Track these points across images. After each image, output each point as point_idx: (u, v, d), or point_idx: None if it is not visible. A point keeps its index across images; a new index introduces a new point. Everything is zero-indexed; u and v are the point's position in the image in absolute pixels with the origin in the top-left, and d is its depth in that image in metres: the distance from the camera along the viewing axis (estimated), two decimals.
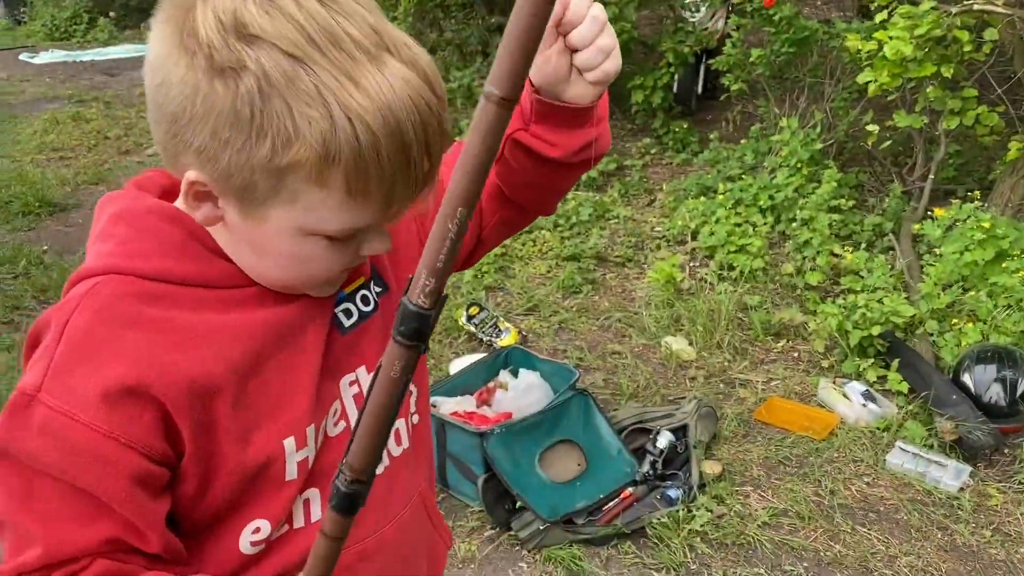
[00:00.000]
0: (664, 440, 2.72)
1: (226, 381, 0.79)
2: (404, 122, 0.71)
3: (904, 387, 3.05)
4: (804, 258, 3.86)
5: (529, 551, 2.46)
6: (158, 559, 0.79)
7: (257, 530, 0.84)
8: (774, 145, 4.49)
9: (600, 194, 4.90)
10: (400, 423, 0.97)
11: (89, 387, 0.74)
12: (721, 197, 4.31)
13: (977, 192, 3.76)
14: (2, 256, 4.39)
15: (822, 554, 2.45)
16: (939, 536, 2.51)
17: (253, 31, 0.68)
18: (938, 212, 3.66)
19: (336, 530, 0.64)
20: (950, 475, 2.68)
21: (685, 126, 5.50)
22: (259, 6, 0.69)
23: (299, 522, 0.87)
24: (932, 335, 3.24)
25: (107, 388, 0.73)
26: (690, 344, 3.47)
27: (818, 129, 4.38)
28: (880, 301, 3.30)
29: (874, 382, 3.14)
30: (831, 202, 3.99)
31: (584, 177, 4.55)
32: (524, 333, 3.59)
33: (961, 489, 2.65)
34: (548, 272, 4.13)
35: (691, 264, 4.12)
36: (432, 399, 2.82)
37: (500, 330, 3.50)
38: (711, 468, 2.73)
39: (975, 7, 3.35)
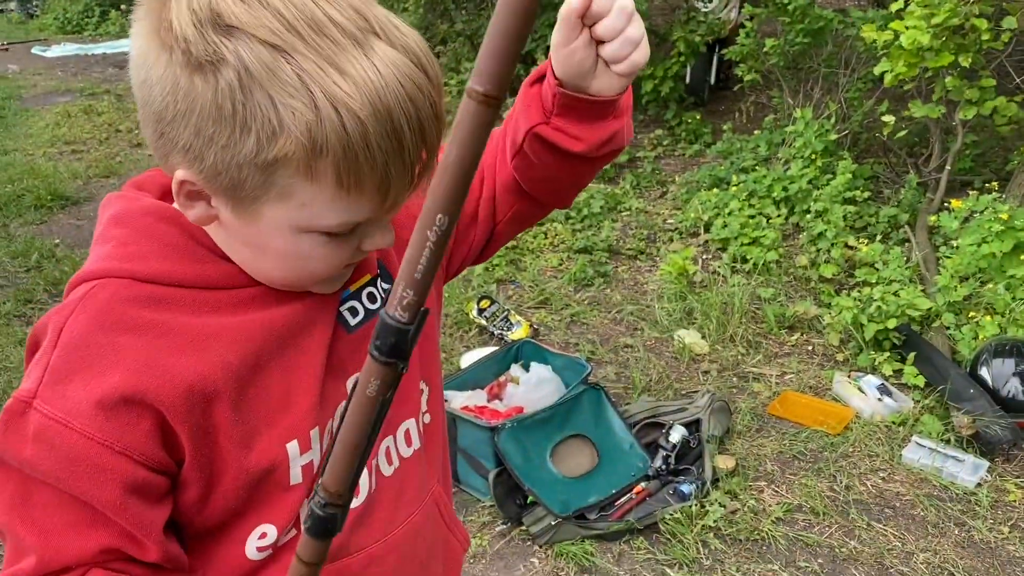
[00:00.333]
0: (677, 435, 2.69)
1: (225, 385, 0.77)
2: (394, 108, 0.68)
3: (920, 381, 3.01)
4: (818, 250, 3.83)
5: (540, 546, 2.45)
6: (158, 568, 0.78)
7: (263, 535, 0.83)
8: (788, 136, 4.45)
9: (612, 186, 4.87)
10: (411, 423, 0.94)
11: (84, 395, 0.72)
12: (734, 189, 4.27)
13: (995, 183, 3.70)
14: (15, 249, 4.40)
15: (837, 550, 2.42)
16: (956, 532, 2.48)
17: (229, 21, 0.66)
18: (955, 203, 3.61)
19: (312, 555, 0.59)
20: (967, 470, 2.64)
21: (698, 117, 5.46)
22: None
23: None
24: (949, 328, 3.20)
25: (103, 396, 0.72)
26: (703, 337, 3.44)
27: (832, 120, 4.33)
28: (896, 294, 3.26)
29: (890, 376, 3.10)
30: (846, 194, 3.95)
31: None
32: (535, 326, 3.57)
33: (978, 484, 2.62)
34: (560, 265, 4.10)
35: (704, 257, 4.09)
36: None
37: (511, 323, 3.48)
38: (724, 463, 2.70)
39: None
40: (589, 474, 2.61)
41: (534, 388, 2.82)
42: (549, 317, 3.66)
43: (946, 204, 3.82)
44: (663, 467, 2.65)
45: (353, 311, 0.87)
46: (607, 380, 3.17)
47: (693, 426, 2.77)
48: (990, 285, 3.23)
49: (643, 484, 2.61)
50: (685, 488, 2.58)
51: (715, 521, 2.49)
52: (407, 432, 0.94)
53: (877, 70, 3.69)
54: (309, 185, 0.70)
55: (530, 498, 2.50)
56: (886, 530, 2.49)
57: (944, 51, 3.43)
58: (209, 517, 0.81)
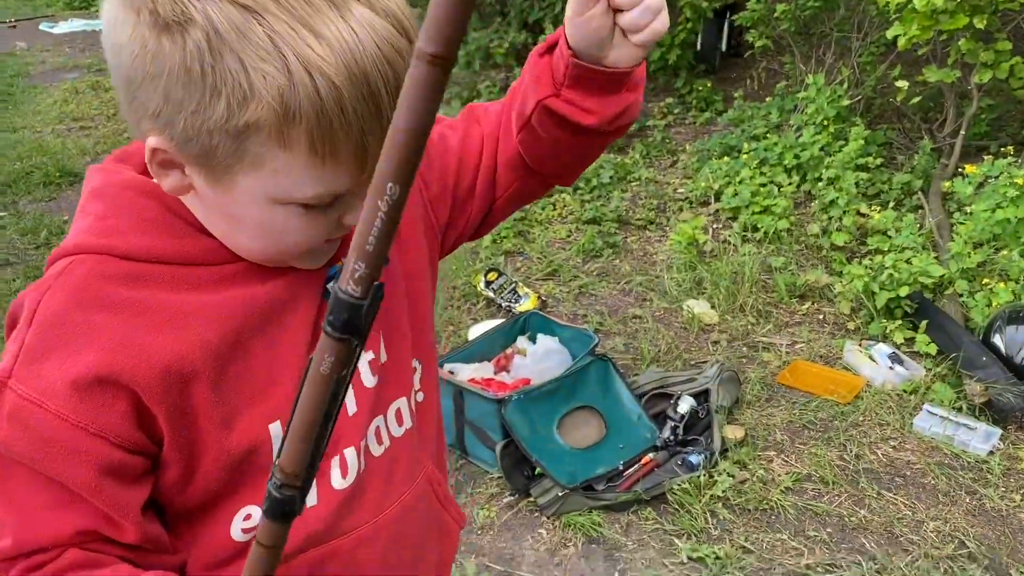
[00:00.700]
0: (685, 405, 2.68)
1: (204, 365, 0.75)
2: (371, 72, 0.66)
3: (932, 349, 2.98)
4: (830, 218, 3.77)
5: (548, 518, 2.44)
6: (137, 549, 0.76)
7: (248, 517, 0.81)
8: (800, 103, 4.38)
9: (621, 156, 4.82)
10: (402, 402, 0.91)
11: (59, 375, 0.70)
12: (745, 157, 4.22)
13: (1011, 148, 3.64)
14: (24, 226, 4.41)
15: (847, 519, 2.41)
16: (967, 500, 2.46)
17: None
18: (969, 169, 3.55)
19: (270, 538, 0.57)
20: (979, 438, 2.62)
21: (708, 85, 5.38)
22: None
23: None
24: (962, 295, 3.15)
25: (77, 377, 0.70)
26: (712, 307, 3.41)
27: (845, 85, 4.25)
28: (908, 261, 3.22)
29: (901, 344, 3.07)
30: (858, 160, 3.89)
31: None
32: (543, 298, 3.55)
33: (991, 452, 2.59)
34: (568, 236, 4.07)
35: (714, 226, 4.05)
36: (450, 366, 2.80)
37: (519, 295, 3.47)
38: (733, 433, 2.69)
39: None
40: (597, 445, 2.60)
41: (541, 359, 2.80)
42: (557, 289, 3.64)
43: (960, 170, 3.75)
44: (671, 438, 2.64)
45: None
46: (616, 351, 3.15)
47: (702, 396, 2.75)
48: (1004, 251, 3.18)
49: (651, 455, 2.60)
50: (693, 458, 2.57)
51: (724, 491, 2.48)
52: (398, 411, 0.91)
53: (890, 34, 3.62)
54: (282, 153, 0.67)
55: (537, 469, 2.50)
56: (896, 499, 2.47)
57: (959, 13, 3.35)
58: (191, 498, 0.79)
